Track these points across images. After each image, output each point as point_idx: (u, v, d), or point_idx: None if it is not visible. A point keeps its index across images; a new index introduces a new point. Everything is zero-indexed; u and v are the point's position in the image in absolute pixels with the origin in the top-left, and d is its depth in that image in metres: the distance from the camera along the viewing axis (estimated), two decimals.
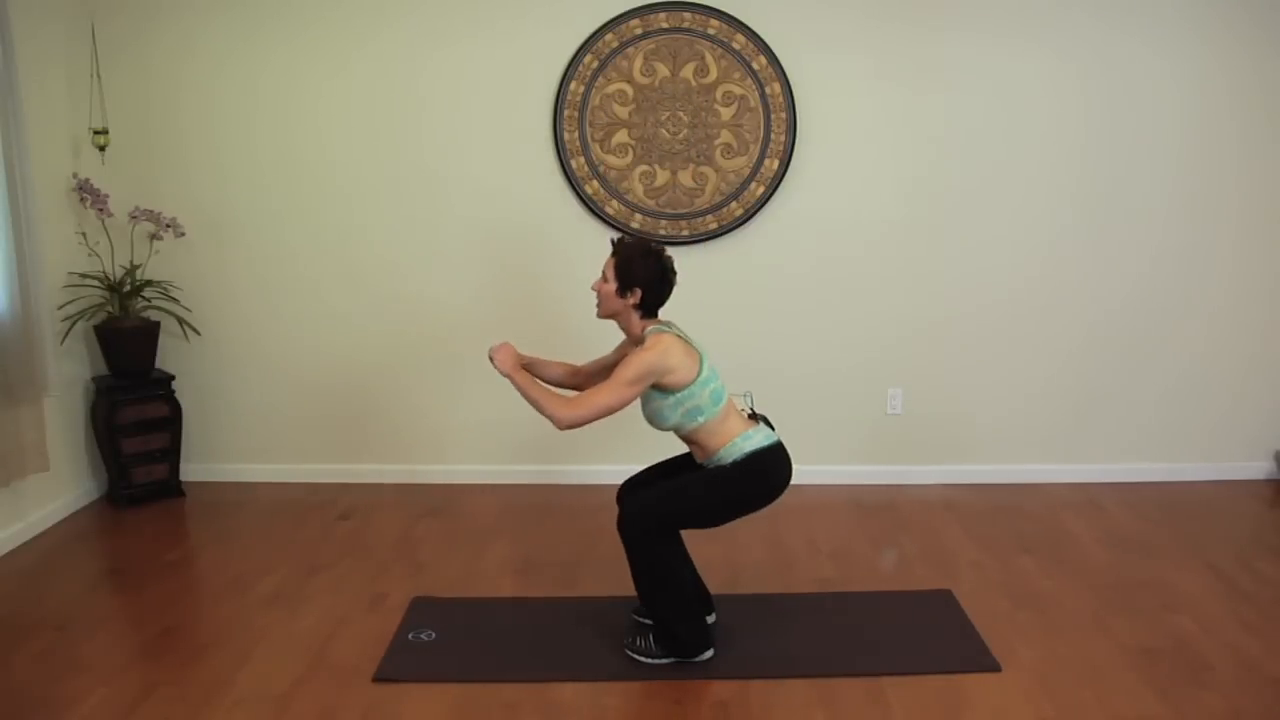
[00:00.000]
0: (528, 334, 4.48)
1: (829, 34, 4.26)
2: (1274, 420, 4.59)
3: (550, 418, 2.86)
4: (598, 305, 2.99)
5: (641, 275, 2.90)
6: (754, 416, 3.06)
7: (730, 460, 2.90)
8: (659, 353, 2.84)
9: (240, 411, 4.62)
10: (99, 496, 4.44)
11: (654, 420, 2.97)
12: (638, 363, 2.83)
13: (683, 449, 3.12)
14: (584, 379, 3.18)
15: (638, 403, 2.94)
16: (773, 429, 3.03)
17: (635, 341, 2.99)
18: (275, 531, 4.06)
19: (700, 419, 2.89)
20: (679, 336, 2.93)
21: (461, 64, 4.31)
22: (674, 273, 2.96)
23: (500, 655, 3.03)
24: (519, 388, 2.92)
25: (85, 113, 4.23)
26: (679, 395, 2.87)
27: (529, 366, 3.08)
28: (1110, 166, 4.36)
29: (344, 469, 4.65)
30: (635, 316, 2.96)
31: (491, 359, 2.98)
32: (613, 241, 3.00)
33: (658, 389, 2.88)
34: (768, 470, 2.94)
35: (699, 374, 2.88)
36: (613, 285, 2.92)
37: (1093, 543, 3.90)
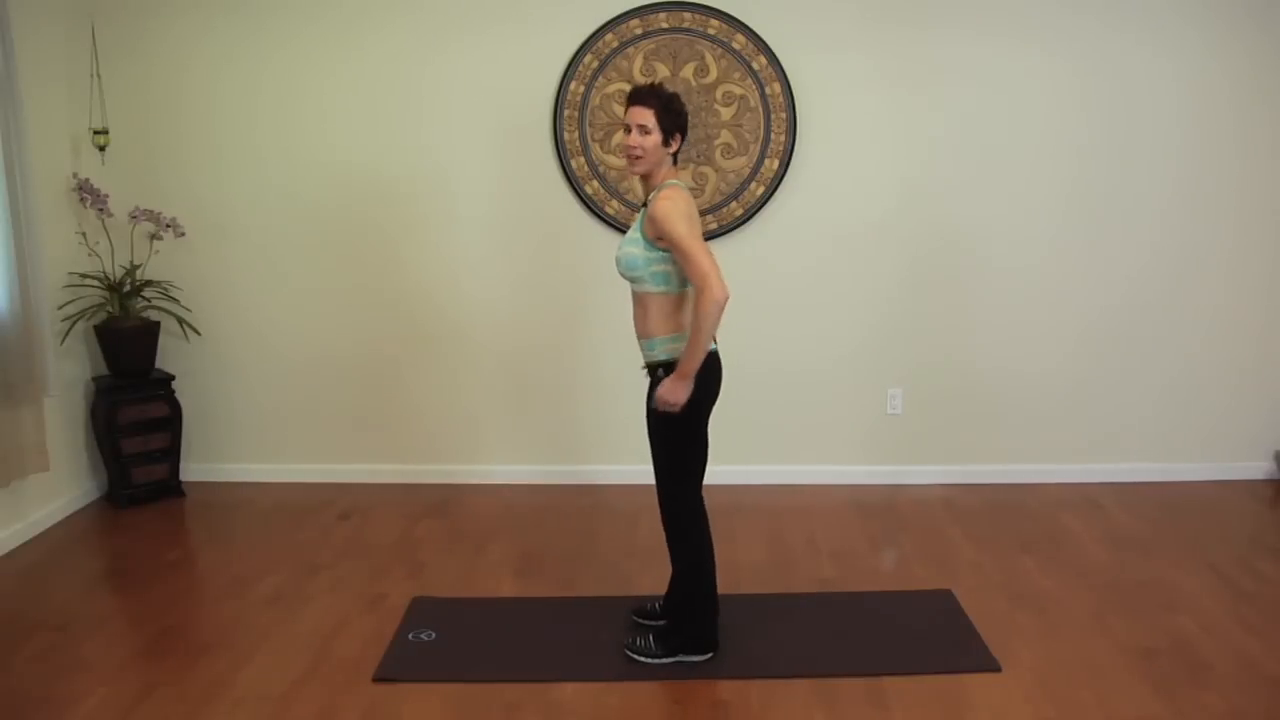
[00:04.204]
0: (528, 333, 4.50)
1: (829, 34, 4.26)
2: (1274, 420, 4.59)
3: (714, 313, 2.68)
4: (633, 162, 2.84)
5: (682, 119, 2.85)
6: None
7: (661, 360, 2.84)
8: (681, 200, 2.75)
9: (240, 411, 4.62)
10: (99, 496, 4.44)
11: (622, 263, 2.86)
12: (673, 217, 2.70)
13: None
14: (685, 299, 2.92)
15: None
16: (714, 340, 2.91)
17: (650, 192, 2.87)
18: (275, 531, 4.06)
19: (663, 287, 2.82)
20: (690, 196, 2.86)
21: (462, 64, 4.31)
22: None
23: (500, 655, 3.03)
24: (695, 361, 2.75)
25: (85, 113, 4.23)
26: (664, 253, 2.78)
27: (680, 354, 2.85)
28: (1109, 165, 4.36)
29: (344, 469, 4.65)
30: (668, 164, 2.87)
31: (669, 405, 2.82)
32: (636, 91, 2.84)
33: (647, 236, 2.79)
34: (701, 380, 2.83)
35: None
36: (656, 136, 2.80)
37: (1092, 543, 3.90)
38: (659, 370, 2.86)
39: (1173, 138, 4.34)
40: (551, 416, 4.56)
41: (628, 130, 2.83)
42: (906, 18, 4.24)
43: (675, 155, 2.89)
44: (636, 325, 2.94)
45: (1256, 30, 4.24)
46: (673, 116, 2.82)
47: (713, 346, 2.89)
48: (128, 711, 2.71)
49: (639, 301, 2.90)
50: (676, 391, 2.79)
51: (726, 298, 2.70)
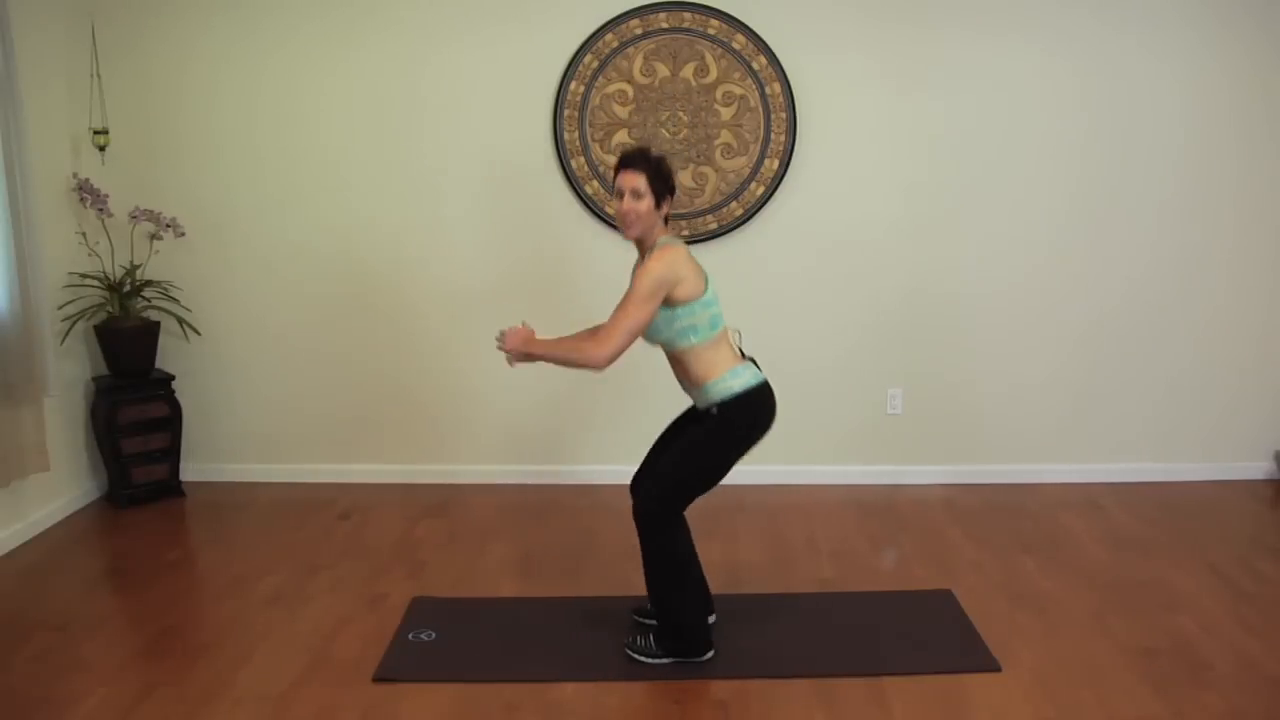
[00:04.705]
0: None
1: (829, 34, 4.26)
2: (1274, 420, 4.59)
3: (585, 364, 2.79)
4: (628, 227, 2.87)
5: (672, 180, 2.89)
6: (741, 355, 3.00)
7: (717, 400, 2.85)
8: (668, 262, 2.77)
9: (240, 411, 4.62)
10: (99, 496, 4.44)
11: (647, 332, 2.90)
12: (650, 275, 2.75)
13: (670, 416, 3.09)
14: None
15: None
16: (759, 369, 2.97)
17: (645, 253, 2.91)
18: (275, 531, 4.06)
19: (693, 339, 2.85)
20: (686, 251, 2.88)
21: (462, 64, 4.31)
22: None
23: (500, 655, 3.03)
24: (543, 356, 2.86)
25: (85, 113, 4.23)
26: (678, 310, 2.82)
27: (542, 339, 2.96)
28: (1109, 166, 4.36)
29: (344, 469, 4.65)
30: (661, 225, 2.91)
31: (503, 346, 2.91)
32: (626, 157, 2.88)
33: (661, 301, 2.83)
34: (755, 412, 2.90)
35: (704, 293, 2.84)
36: (649, 200, 2.83)
37: (1093, 543, 3.90)
38: (713, 409, 2.88)
39: (1173, 138, 4.34)
40: (552, 416, 4.56)
41: (620, 195, 2.86)
42: (907, 17, 4.24)
43: (666, 217, 2.93)
44: (681, 382, 2.99)
45: (1256, 30, 4.24)
46: (663, 179, 2.87)
47: (760, 379, 2.91)
48: (128, 711, 2.71)
49: (676, 360, 2.94)
50: (514, 342, 2.88)
51: (598, 369, 2.79)
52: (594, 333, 3.03)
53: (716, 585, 3.28)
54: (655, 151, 2.93)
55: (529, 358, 2.90)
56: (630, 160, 2.86)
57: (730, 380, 2.86)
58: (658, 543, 2.88)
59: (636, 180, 2.82)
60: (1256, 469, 4.63)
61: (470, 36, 4.29)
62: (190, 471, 4.59)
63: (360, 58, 4.32)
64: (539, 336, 2.98)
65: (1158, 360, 4.52)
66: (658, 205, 2.85)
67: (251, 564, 3.71)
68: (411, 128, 4.37)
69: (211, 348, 4.55)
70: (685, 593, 2.92)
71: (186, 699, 2.78)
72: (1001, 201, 4.39)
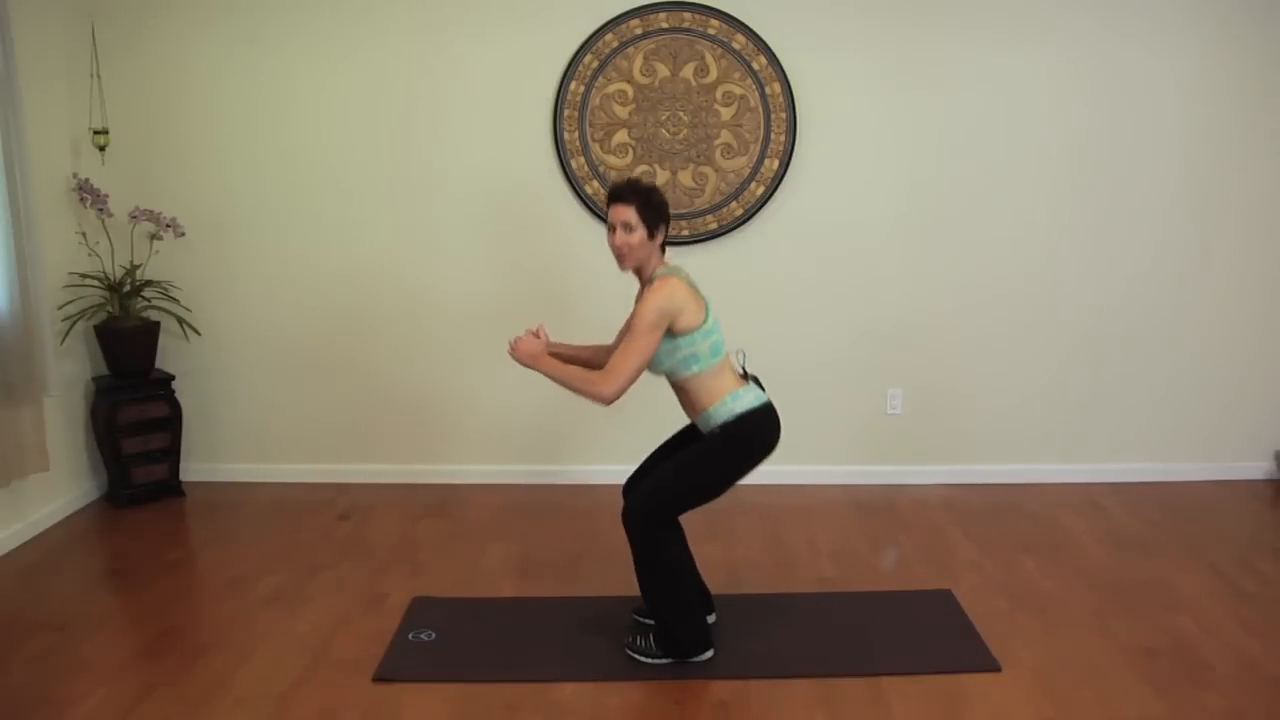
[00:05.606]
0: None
1: (829, 34, 4.26)
2: (1274, 420, 4.59)
3: (592, 397, 2.80)
4: (622, 260, 2.89)
5: (664, 210, 2.89)
6: (745, 376, 3.02)
7: (720, 422, 2.87)
8: (667, 294, 2.78)
9: (240, 411, 4.62)
10: (99, 496, 4.44)
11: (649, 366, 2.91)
12: (650, 307, 2.77)
13: (673, 429, 3.10)
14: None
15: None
16: (763, 389, 2.99)
17: (644, 285, 2.93)
18: (275, 531, 4.06)
19: (695, 368, 2.86)
20: (685, 280, 2.88)
21: (462, 64, 4.31)
22: None
23: (500, 655, 3.03)
24: (549, 375, 2.87)
25: (85, 113, 4.23)
26: (679, 340, 2.83)
27: (555, 352, 2.99)
28: (1110, 166, 4.36)
29: (344, 469, 4.65)
30: (658, 255, 2.93)
31: (512, 353, 2.93)
32: (614, 190, 2.88)
33: None
34: (757, 432, 2.91)
35: (704, 322, 2.85)
36: (641, 232, 2.84)
37: (1093, 543, 3.90)
38: (716, 430, 2.89)
39: (1174, 138, 4.34)
40: (551, 416, 4.56)
41: (612, 229, 2.86)
42: (907, 17, 4.24)
43: (663, 245, 2.94)
44: (686, 410, 3.00)
45: (1257, 30, 4.24)
46: (654, 209, 2.86)
47: (764, 400, 2.93)
48: (128, 711, 2.71)
49: (680, 389, 2.95)
50: (522, 354, 2.91)
51: (605, 404, 2.81)
52: (598, 351, 3.09)
53: (716, 585, 3.28)
54: (645, 182, 2.93)
55: (535, 368, 2.92)
56: (619, 193, 2.87)
57: (732, 403, 2.88)
58: (648, 547, 2.88)
59: (627, 213, 2.83)
60: (1256, 469, 4.63)
61: (470, 37, 4.29)
62: (190, 471, 4.60)
63: (360, 58, 4.32)
64: (552, 340, 3.01)
65: (1158, 360, 4.52)
66: (651, 236, 2.86)
67: (251, 564, 3.71)
68: (411, 128, 4.37)
69: (211, 348, 4.55)
70: (678, 595, 2.92)
71: (186, 699, 2.78)
72: (1002, 200, 4.39)
